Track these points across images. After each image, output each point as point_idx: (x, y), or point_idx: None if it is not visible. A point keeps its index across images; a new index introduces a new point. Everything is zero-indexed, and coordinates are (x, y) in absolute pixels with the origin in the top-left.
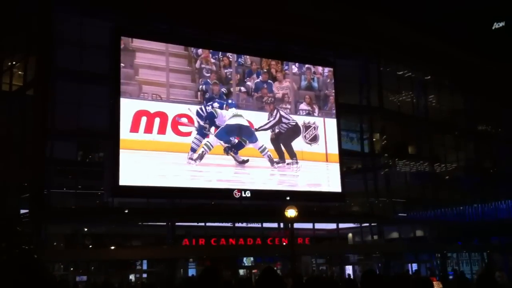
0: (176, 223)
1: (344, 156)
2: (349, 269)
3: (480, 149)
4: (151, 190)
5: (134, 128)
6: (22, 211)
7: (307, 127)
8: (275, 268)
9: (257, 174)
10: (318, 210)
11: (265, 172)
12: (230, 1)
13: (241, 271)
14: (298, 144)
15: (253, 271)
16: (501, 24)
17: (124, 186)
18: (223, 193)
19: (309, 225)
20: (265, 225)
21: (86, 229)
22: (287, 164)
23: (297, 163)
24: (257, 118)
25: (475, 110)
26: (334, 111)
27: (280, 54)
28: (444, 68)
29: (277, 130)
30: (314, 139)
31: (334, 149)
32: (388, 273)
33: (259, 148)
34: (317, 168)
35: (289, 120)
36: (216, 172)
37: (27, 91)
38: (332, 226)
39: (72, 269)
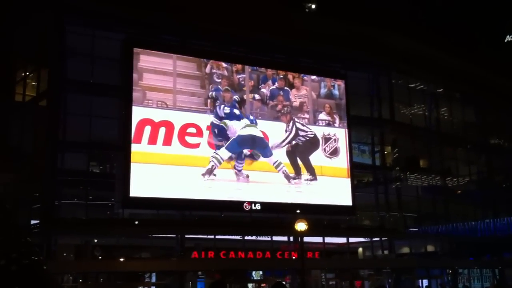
0: (186, 235)
1: (355, 169)
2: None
3: (492, 163)
4: (161, 202)
5: (137, 139)
6: (33, 222)
7: (327, 139)
8: (284, 283)
9: (271, 189)
10: (328, 224)
11: (279, 188)
12: (240, 15)
13: (250, 285)
14: (317, 158)
15: (262, 285)
16: None
17: (135, 198)
18: (233, 205)
19: (319, 239)
20: (275, 238)
21: (96, 241)
22: (305, 180)
23: (315, 179)
24: (272, 129)
25: (487, 123)
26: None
27: (291, 66)
28: (455, 81)
29: (293, 142)
30: (335, 152)
31: (344, 162)
32: None
33: (273, 163)
34: (338, 184)
35: (306, 132)
36: (227, 185)
37: (40, 102)
38: (343, 240)
39: (81, 280)
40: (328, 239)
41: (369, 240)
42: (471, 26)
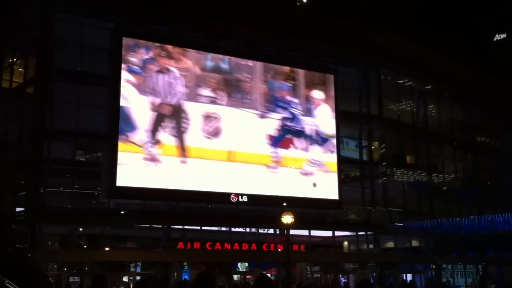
0: (172, 226)
1: (342, 163)
2: (344, 278)
3: (478, 161)
4: (147, 192)
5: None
6: (18, 210)
7: (206, 117)
8: (269, 275)
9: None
10: (315, 217)
11: (266, 179)
12: (230, 10)
13: (235, 277)
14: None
15: (247, 276)
16: (503, 35)
17: (121, 187)
18: (220, 197)
19: (305, 232)
20: (261, 230)
21: (81, 230)
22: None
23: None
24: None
25: (474, 122)
26: (260, 103)
27: (280, 59)
28: (443, 79)
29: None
30: (216, 133)
31: (333, 156)
32: (383, 283)
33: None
34: (325, 178)
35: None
36: (212, 174)
37: (27, 89)
38: (328, 233)
39: (65, 269)
40: (314, 233)
41: (355, 234)
42: (461, 25)
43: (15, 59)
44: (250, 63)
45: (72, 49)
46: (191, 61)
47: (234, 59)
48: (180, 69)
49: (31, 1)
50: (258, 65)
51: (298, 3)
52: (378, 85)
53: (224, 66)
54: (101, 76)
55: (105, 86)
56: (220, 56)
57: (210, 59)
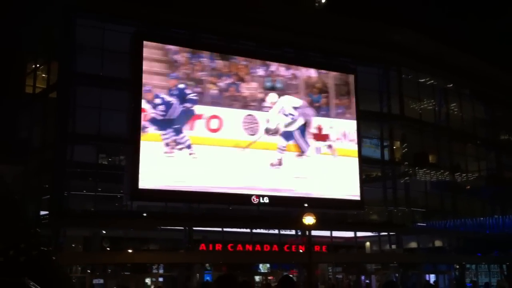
0: (193, 228)
1: (364, 163)
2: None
3: (502, 159)
4: (169, 194)
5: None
6: (42, 213)
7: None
8: (291, 276)
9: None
10: (336, 218)
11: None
12: (250, 10)
13: (257, 278)
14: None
15: (269, 278)
16: None
17: (144, 190)
18: (241, 198)
19: (326, 233)
20: (282, 231)
21: (104, 232)
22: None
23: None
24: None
25: (497, 119)
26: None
27: (300, 60)
28: (465, 77)
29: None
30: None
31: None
32: (406, 284)
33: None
34: (346, 178)
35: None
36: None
37: (50, 94)
38: (350, 234)
39: (89, 271)
40: (336, 233)
41: (377, 234)
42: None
43: (37, 65)
44: (294, 81)
45: (93, 53)
46: (255, 83)
47: (284, 79)
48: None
49: (52, 8)
50: (301, 83)
51: (316, 4)
52: (399, 84)
53: (279, 85)
54: (122, 80)
55: (127, 90)
56: (275, 78)
57: (268, 81)
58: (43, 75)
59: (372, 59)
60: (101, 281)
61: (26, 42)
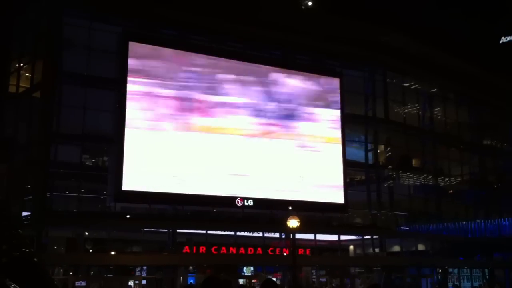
0: (177, 230)
1: (348, 167)
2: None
3: (485, 164)
4: (153, 196)
5: None
6: (24, 213)
7: None
8: (275, 279)
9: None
10: (320, 221)
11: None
12: (237, 10)
13: (241, 281)
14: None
15: (253, 280)
16: (509, 38)
17: (127, 191)
18: (226, 200)
19: (310, 236)
20: (267, 234)
21: (87, 234)
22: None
23: None
24: None
25: (481, 124)
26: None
27: (286, 63)
28: (450, 81)
29: None
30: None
31: (338, 159)
32: (389, 287)
33: None
34: (330, 181)
35: None
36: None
37: (34, 94)
38: (334, 237)
39: (71, 273)
40: (320, 236)
41: (361, 238)
42: (467, 26)
43: (21, 64)
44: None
45: (79, 52)
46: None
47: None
48: None
49: (38, 5)
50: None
51: (303, 7)
52: (384, 88)
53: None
54: (108, 80)
55: (112, 90)
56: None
57: None
58: (27, 74)
59: (358, 60)
60: (84, 283)
61: (10, 40)
